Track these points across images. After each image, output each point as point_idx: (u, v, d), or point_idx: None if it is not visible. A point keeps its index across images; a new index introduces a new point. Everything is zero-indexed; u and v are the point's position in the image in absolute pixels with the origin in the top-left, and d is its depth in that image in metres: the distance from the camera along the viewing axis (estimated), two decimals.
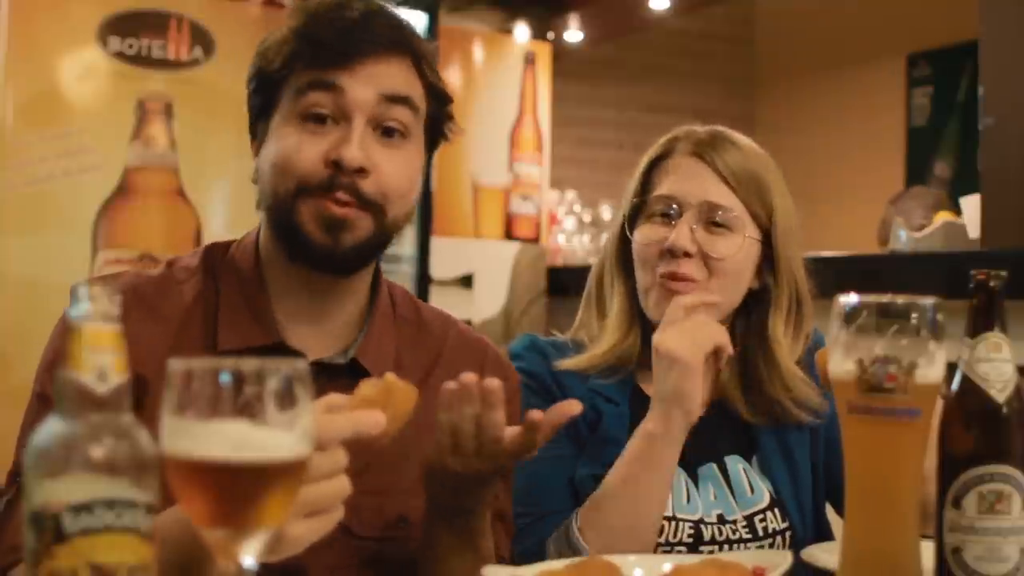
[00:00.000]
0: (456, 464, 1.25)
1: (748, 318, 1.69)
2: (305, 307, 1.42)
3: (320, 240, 1.35)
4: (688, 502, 1.61)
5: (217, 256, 1.47)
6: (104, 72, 3.90)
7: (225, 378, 0.82)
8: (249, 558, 0.86)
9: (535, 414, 1.21)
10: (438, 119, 1.46)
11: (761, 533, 1.60)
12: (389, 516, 1.41)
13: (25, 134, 3.80)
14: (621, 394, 1.67)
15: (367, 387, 1.10)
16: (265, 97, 1.41)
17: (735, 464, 1.66)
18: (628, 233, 1.69)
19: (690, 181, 1.64)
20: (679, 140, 1.69)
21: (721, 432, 1.67)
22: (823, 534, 1.65)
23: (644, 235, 1.66)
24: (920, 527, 1.05)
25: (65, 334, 0.83)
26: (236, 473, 0.83)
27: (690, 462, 1.63)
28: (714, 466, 1.65)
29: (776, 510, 1.62)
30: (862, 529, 1.04)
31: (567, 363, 1.67)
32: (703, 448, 1.64)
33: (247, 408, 0.82)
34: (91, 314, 0.82)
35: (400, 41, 1.39)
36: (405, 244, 4.50)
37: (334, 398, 1.07)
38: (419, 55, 1.41)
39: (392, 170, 1.37)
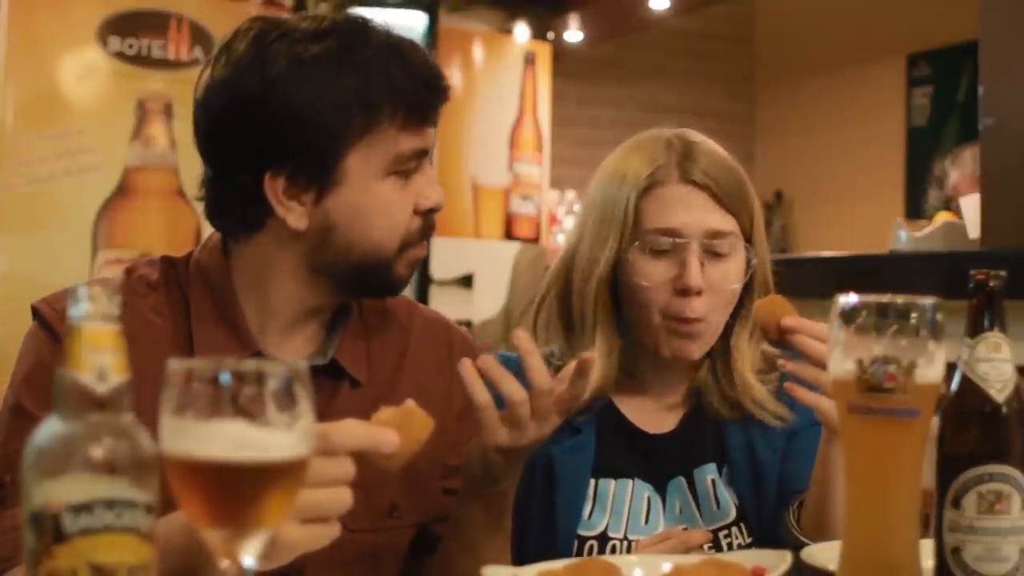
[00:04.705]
0: (509, 438, 1.28)
1: None
2: (281, 315, 1.41)
3: (404, 279, 1.43)
4: (646, 523, 1.59)
5: (179, 268, 1.44)
6: (104, 72, 3.90)
7: (225, 378, 0.83)
8: (249, 558, 0.86)
9: (589, 355, 1.28)
10: None
11: (725, 548, 1.58)
12: (380, 507, 1.41)
13: (25, 134, 3.81)
14: (588, 416, 1.62)
15: (387, 412, 1.09)
16: (332, 142, 1.33)
17: (703, 476, 1.62)
18: (630, 270, 1.59)
19: (689, 211, 1.58)
20: (662, 167, 1.60)
21: (694, 440, 1.64)
22: None
23: (649, 273, 1.58)
24: (920, 530, 1.06)
25: (64, 335, 0.83)
26: (236, 473, 0.83)
27: (660, 476, 1.62)
28: (682, 480, 1.62)
29: (742, 524, 1.60)
30: (862, 529, 1.04)
31: None
32: (674, 461, 1.63)
33: (247, 408, 0.82)
34: (91, 314, 0.82)
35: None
36: None
37: (348, 421, 1.06)
38: None
39: None
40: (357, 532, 1.38)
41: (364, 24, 1.39)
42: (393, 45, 1.37)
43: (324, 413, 1.08)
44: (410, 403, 1.10)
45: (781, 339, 1.40)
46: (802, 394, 1.39)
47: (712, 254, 1.58)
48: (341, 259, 1.37)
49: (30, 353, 1.37)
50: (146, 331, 1.36)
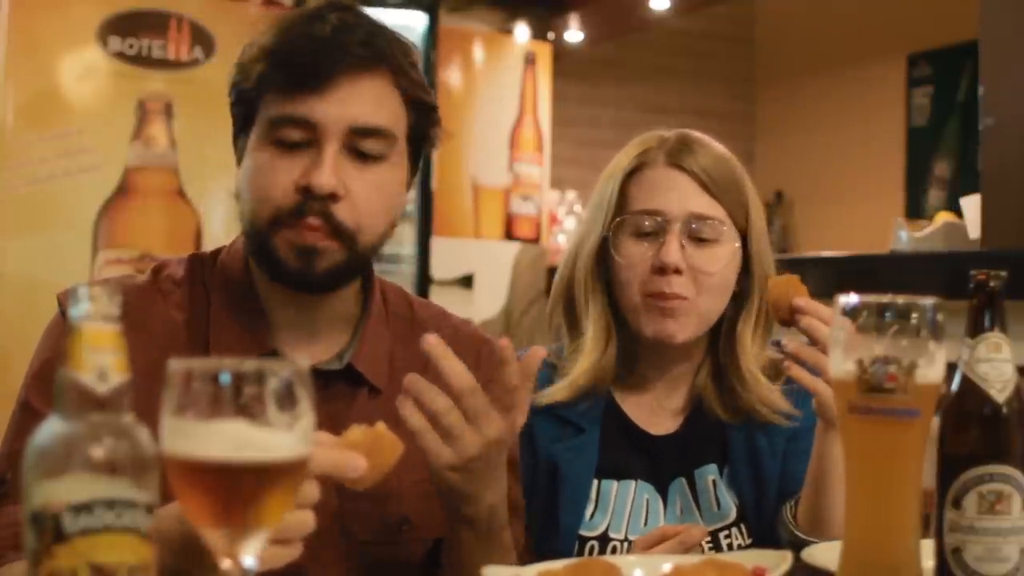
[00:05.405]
0: (454, 454, 1.19)
1: (720, 321, 1.64)
2: (296, 315, 1.40)
3: (294, 266, 1.32)
4: (646, 524, 1.59)
5: (205, 265, 1.44)
6: (104, 72, 3.90)
7: (225, 378, 0.82)
8: (250, 558, 0.86)
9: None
10: (422, 127, 1.41)
11: (725, 549, 1.58)
12: (391, 519, 1.40)
13: (25, 134, 3.80)
14: (592, 415, 1.62)
15: (356, 432, 1.08)
16: (243, 113, 1.38)
17: (704, 477, 1.63)
18: (613, 250, 1.60)
19: (672, 193, 1.58)
20: (651, 150, 1.61)
21: (695, 441, 1.64)
22: None
23: (630, 253, 1.59)
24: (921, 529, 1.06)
25: (64, 334, 0.83)
26: (237, 473, 0.83)
27: (662, 477, 1.63)
28: (683, 481, 1.63)
29: (742, 525, 1.61)
30: (862, 529, 1.04)
31: (545, 396, 1.60)
32: (676, 462, 1.63)
33: (247, 408, 0.82)
34: (91, 314, 0.82)
35: (375, 57, 1.34)
36: (405, 244, 4.50)
37: (320, 436, 1.03)
38: (397, 69, 1.36)
39: (367, 194, 1.33)
40: (366, 544, 1.37)
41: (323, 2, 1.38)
42: (310, 12, 1.35)
43: (340, 420, 1.07)
44: (380, 426, 1.10)
45: (791, 319, 1.39)
46: (800, 375, 1.38)
47: (696, 239, 1.57)
48: (245, 231, 1.38)
49: (45, 349, 1.39)
50: (167, 329, 1.37)
